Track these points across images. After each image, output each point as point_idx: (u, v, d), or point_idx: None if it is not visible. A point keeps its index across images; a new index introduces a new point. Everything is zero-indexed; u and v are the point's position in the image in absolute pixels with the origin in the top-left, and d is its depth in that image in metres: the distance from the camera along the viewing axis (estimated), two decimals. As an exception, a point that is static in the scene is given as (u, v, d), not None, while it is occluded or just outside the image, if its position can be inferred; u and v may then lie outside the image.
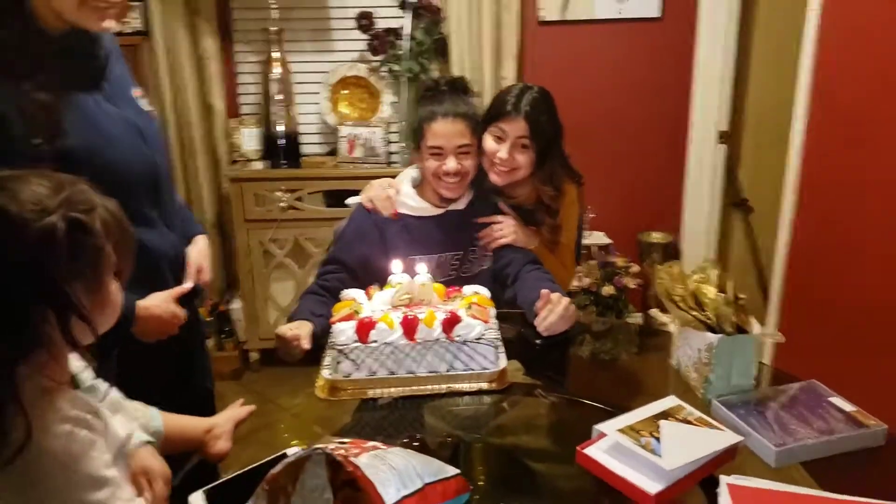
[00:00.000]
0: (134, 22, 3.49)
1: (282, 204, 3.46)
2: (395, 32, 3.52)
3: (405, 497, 1.05)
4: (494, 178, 2.15)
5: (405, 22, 3.48)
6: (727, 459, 1.33)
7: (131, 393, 1.30)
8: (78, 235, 0.95)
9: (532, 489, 1.34)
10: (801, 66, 2.78)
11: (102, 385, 1.06)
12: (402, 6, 3.46)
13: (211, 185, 3.77)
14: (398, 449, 1.19)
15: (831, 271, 2.70)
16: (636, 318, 3.82)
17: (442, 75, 3.48)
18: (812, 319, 2.82)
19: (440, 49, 3.57)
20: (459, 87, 2.14)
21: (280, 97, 3.52)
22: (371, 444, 1.17)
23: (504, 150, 2.09)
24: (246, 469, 1.29)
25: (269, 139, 3.62)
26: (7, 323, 0.92)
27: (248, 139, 3.70)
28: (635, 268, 3.61)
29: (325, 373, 1.64)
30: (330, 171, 3.56)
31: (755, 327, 1.56)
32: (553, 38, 3.75)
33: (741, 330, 1.55)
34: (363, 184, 2.26)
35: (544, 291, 1.80)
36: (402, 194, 2.13)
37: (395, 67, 3.53)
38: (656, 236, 3.91)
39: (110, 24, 1.44)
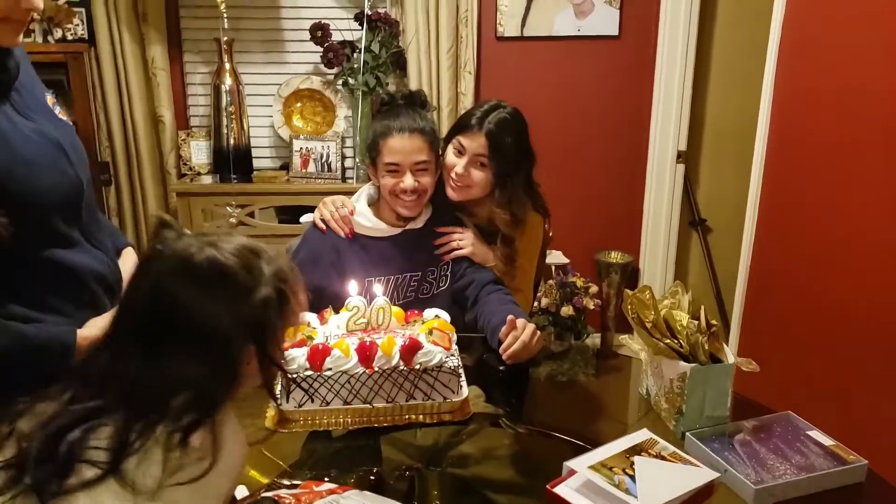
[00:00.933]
0: (77, 29, 3.37)
1: (232, 219, 3.33)
2: (351, 45, 3.43)
3: (363, 547, 0.96)
4: (450, 192, 2.09)
5: (361, 34, 3.39)
6: (704, 498, 1.27)
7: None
8: (283, 304, 1.08)
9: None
10: (763, 86, 2.76)
11: None
12: (359, 18, 3.38)
13: (158, 199, 3.61)
14: (354, 492, 1.10)
15: (792, 293, 2.67)
16: (595, 340, 3.78)
17: (399, 89, 3.40)
18: (773, 343, 2.79)
19: (397, 63, 3.49)
20: (417, 102, 2.07)
21: (231, 109, 3.40)
22: (325, 487, 1.08)
23: (461, 164, 2.03)
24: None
25: (219, 152, 3.48)
26: (223, 368, 1.02)
27: (198, 152, 3.58)
28: (594, 288, 3.56)
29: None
30: (282, 186, 3.44)
31: (729, 356, 1.50)
32: (511, 54, 3.69)
33: (714, 359, 1.49)
34: (316, 199, 2.18)
35: (510, 318, 1.73)
36: (357, 213, 2.05)
37: (351, 81, 3.44)
38: (615, 256, 3.87)
39: (20, 39, 1.33)
